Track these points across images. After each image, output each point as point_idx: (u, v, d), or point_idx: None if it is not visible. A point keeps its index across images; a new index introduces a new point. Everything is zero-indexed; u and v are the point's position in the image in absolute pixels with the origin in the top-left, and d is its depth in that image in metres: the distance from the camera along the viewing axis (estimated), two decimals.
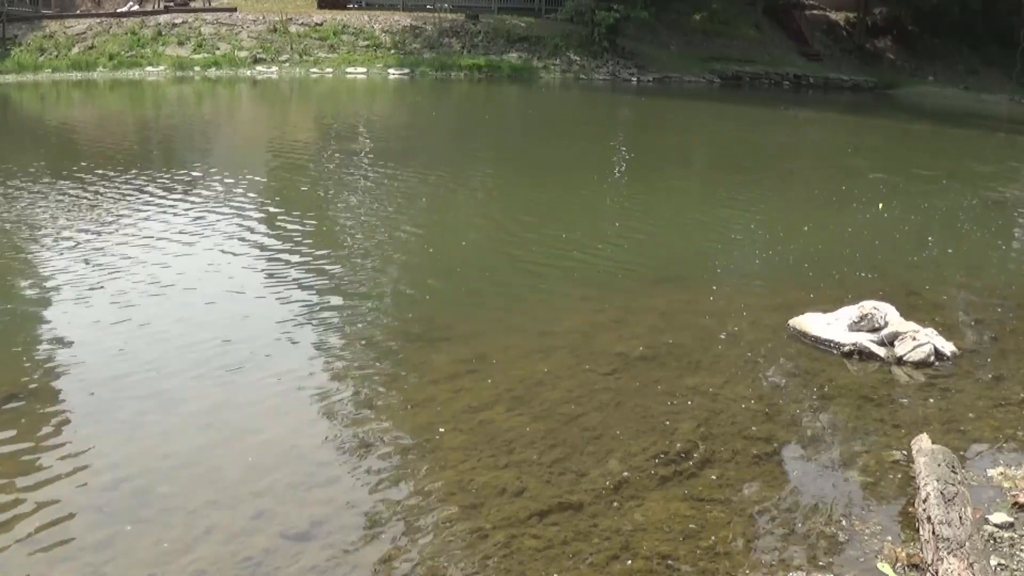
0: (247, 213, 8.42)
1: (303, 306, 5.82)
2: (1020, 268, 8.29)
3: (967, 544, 3.01)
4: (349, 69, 24.53)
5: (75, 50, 23.50)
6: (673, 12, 30.77)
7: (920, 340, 5.23)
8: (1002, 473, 3.94)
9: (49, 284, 6.10)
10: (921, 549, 3.22)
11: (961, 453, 4.04)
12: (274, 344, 5.14)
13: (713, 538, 3.39)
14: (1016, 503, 3.65)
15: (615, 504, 3.58)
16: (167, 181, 9.77)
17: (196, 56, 23.94)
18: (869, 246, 8.04)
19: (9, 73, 21.80)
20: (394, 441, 4.09)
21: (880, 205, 9.62)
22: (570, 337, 5.42)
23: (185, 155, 12.35)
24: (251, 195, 9.24)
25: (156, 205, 8.56)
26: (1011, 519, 3.53)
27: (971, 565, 2.92)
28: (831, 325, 5.50)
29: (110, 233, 7.45)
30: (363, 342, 5.29)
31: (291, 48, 25.03)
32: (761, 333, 5.62)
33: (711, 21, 32.22)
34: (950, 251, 8.23)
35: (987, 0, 32.67)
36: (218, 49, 24.45)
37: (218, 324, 5.44)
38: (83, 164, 10.59)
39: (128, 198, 8.84)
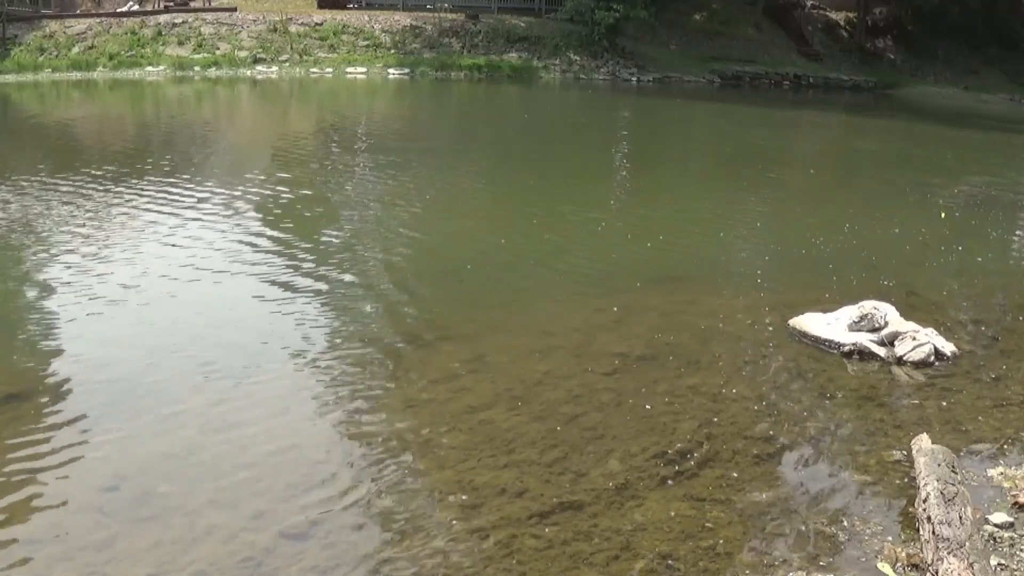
0: (247, 213, 8.42)
1: (303, 306, 5.82)
2: (1020, 268, 8.29)
3: (967, 544, 3.01)
4: (349, 69, 24.52)
5: (75, 50, 23.49)
6: (673, 12, 30.73)
7: (920, 340, 5.23)
8: (1002, 473, 3.93)
9: (48, 284, 6.10)
10: (921, 549, 3.22)
11: (961, 453, 4.04)
12: (274, 344, 5.14)
13: (713, 538, 3.39)
14: (1016, 503, 3.65)
15: (615, 504, 3.58)
16: (167, 181, 9.76)
17: (196, 56, 23.93)
18: (870, 246, 8.04)
19: (9, 73, 21.79)
20: (394, 441, 4.09)
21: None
22: (570, 337, 5.42)
23: (185, 155, 12.34)
24: (251, 196, 9.24)
25: (156, 206, 8.55)
26: (1011, 519, 3.53)
27: (971, 565, 2.92)
28: (831, 325, 5.50)
29: (109, 234, 7.45)
30: (363, 342, 5.29)
31: (291, 48, 25.01)
32: (761, 333, 5.62)
33: (711, 21, 32.19)
34: (951, 251, 8.22)
35: (987, 0, 32.67)
36: (218, 49, 24.44)
37: (218, 324, 5.45)
38: (83, 165, 10.59)
39: (127, 199, 8.83)
